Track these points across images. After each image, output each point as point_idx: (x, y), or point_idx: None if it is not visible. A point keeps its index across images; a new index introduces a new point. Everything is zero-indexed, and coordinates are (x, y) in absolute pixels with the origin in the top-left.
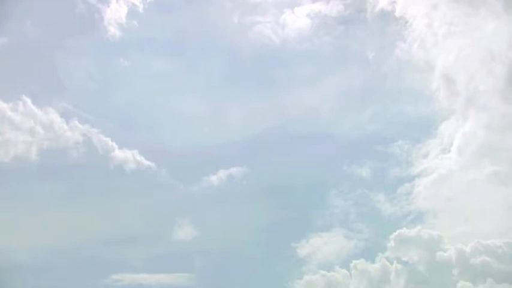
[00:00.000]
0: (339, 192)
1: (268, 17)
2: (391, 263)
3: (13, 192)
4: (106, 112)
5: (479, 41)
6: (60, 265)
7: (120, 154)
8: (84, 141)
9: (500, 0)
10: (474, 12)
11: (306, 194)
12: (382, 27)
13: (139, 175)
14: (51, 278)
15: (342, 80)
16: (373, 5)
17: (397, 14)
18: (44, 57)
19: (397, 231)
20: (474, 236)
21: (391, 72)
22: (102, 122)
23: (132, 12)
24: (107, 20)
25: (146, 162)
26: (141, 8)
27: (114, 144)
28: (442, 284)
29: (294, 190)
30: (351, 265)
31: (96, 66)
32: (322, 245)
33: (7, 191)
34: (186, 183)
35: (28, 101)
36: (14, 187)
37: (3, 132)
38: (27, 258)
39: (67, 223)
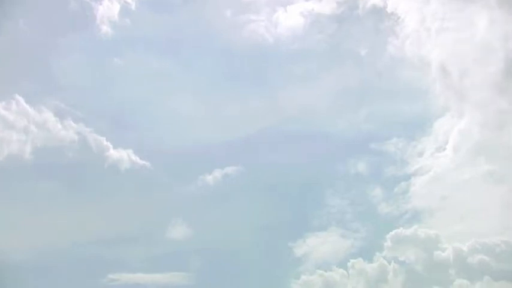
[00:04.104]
0: (335, 192)
1: (261, 15)
2: (389, 263)
3: (6, 192)
4: (100, 111)
5: (473, 36)
6: (56, 265)
7: (114, 153)
8: (79, 140)
9: None
10: (466, 7)
11: (302, 194)
12: (374, 24)
13: (134, 174)
14: (46, 278)
15: (336, 78)
16: (365, 1)
17: (389, 9)
18: (36, 56)
19: (394, 231)
20: (471, 235)
21: (385, 70)
22: (97, 121)
23: (124, 10)
24: (100, 18)
25: (141, 162)
26: (133, 5)
27: (108, 143)
28: (440, 282)
29: (290, 189)
30: (349, 264)
31: (89, 64)
32: (319, 244)
33: (0, 190)
34: (181, 183)
35: (21, 100)
36: (7, 186)
37: None
38: (22, 257)
39: (62, 223)
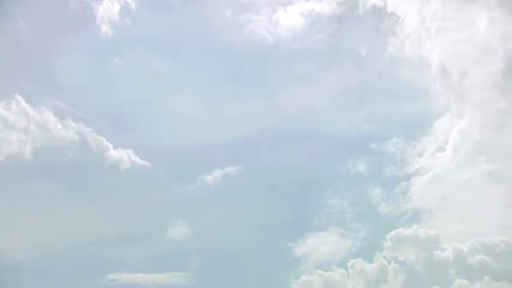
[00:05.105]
0: (335, 192)
1: (261, 15)
2: (389, 263)
3: (6, 192)
4: (100, 111)
5: (473, 36)
6: (56, 265)
7: (115, 153)
8: (79, 140)
9: None
10: (466, 7)
11: (302, 194)
12: (374, 24)
13: (134, 174)
14: (46, 278)
15: (336, 78)
16: (365, 1)
17: (389, 9)
18: (36, 56)
19: (394, 231)
20: (471, 235)
21: (385, 70)
22: (97, 121)
23: (124, 10)
24: (100, 18)
25: (141, 162)
26: (133, 5)
27: (108, 143)
28: (440, 282)
29: (290, 189)
30: (349, 264)
31: (89, 64)
32: (319, 244)
33: (0, 190)
34: (181, 183)
35: (21, 100)
36: (7, 186)
37: None
38: (22, 257)
39: (62, 223)
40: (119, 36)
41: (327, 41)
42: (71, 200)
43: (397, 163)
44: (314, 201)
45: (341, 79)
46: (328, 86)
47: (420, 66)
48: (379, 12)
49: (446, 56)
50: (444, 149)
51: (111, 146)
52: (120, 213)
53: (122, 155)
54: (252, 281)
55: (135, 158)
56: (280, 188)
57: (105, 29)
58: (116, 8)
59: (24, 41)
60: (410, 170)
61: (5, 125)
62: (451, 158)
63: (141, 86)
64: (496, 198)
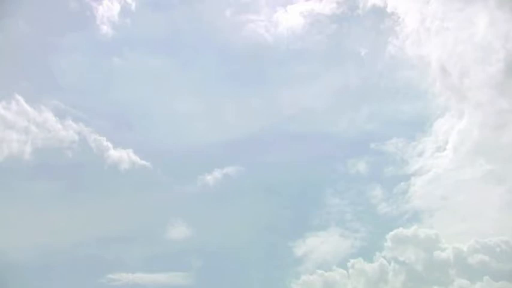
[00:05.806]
0: (335, 191)
1: (261, 15)
2: (389, 263)
3: (6, 192)
4: (100, 111)
5: (473, 36)
6: (56, 265)
7: (115, 153)
8: (79, 140)
9: None
10: (466, 7)
11: (302, 193)
12: (374, 24)
13: (134, 174)
14: (46, 278)
15: (336, 78)
16: (365, 1)
17: (389, 9)
18: (36, 56)
19: (394, 231)
20: (471, 235)
21: (385, 70)
22: (97, 121)
23: (124, 10)
24: (100, 18)
25: (141, 162)
26: (133, 5)
27: (108, 143)
28: (440, 282)
29: (290, 189)
30: (349, 264)
31: (89, 64)
32: (319, 244)
33: (0, 190)
34: (181, 183)
35: (21, 99)
36: (7, 186)
37: None
38: (21, 257)
39: (62, 222)
40: (119, 36)
41: (327, 41)
42: (71, 200)
43: (397, 163)
44: (314, 201)
45: (341, 79)
46: (328, 86)
47: (420, 66)
48: (379, 12)
49: (446, 56)
50: (444, 149)
51: (111, 146)
52: (120, 213)
53: (122, 155)
54: (252, 281)
55: (135, 158)
56: (280, 188)
57: (105, 29)
58: (116, 8)
59: (24, 41)
60: (410, 170)
61: (5, 125)
62: (451, 158)
63: (141, 86)
64: (496, 198)
